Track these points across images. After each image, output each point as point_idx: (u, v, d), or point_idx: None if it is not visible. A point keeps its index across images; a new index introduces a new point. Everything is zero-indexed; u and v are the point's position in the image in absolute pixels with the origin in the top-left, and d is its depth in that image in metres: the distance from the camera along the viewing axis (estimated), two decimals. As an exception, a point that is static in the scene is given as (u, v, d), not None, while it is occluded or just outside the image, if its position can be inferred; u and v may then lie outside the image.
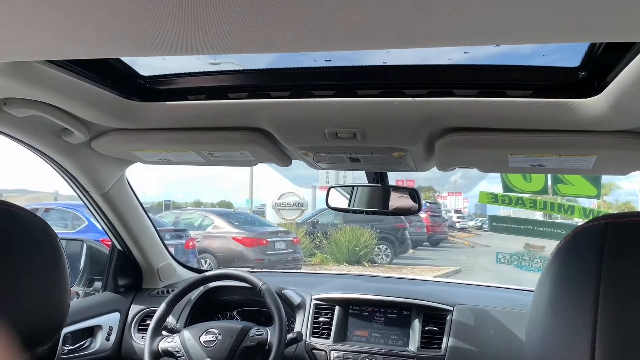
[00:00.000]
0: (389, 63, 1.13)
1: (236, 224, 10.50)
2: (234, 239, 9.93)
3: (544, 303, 0.59)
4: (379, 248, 12.38)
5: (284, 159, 1.44)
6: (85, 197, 1.68)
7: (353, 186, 1.72)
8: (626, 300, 0.52)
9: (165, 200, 24.91)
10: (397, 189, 1.65)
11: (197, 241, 9.35)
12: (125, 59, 1.18)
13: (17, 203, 0.82)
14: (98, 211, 1.75)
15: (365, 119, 1.14)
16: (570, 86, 1.02)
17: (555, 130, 1.09)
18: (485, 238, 16.89)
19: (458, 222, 23.23)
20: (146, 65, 1.24)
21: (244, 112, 1.19)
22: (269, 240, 10.06)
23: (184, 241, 8.43)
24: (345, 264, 11.54)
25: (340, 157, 1.37)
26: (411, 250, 13.56)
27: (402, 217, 13.66)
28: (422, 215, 15.85)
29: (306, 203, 18.19)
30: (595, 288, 0.53)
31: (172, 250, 2.22)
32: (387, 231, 12.57)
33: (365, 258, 11.85)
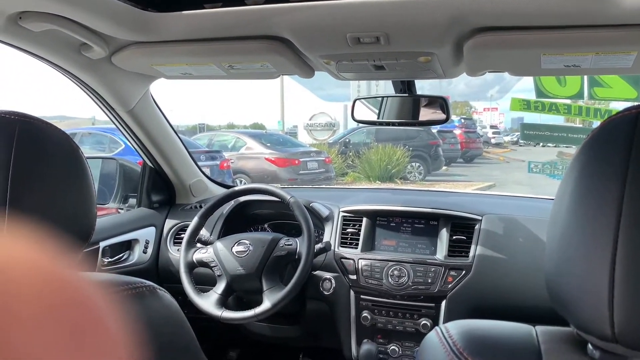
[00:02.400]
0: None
1: (268, 144, 10.59)
2: (266, 159, 10.07)
3: (566, 199, 0.57)
4: (411, 166, 12.35)
5: (306, 70, 1.40)
6: (112, 115, 1.70)
7: (379, 97, 1.67)
8: None
9: (199, 123, 25.16)
10: (425, 97, 1.59)
11: (232, 162, 9.51)
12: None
13: None
14: (126, 129, 1.77)
15: (389, 21, 1.08)
16: None
17: (591, 25, 1.01)
18: (521, 153, 16.58)
19: (493, 137, 22.78)
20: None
21: (262, 18, 1.15)
22: (301, 160, 10.16)
23: (218, 162, 8.60)
24: (377, 182, 11.60)
25: (364, 65, 1.33)
26: (444, 167, 13.49)
27: (436, 133, 13.49)
28: (457, 131, 15.60)
29: (337, 123, 18.11)
30: (621, 182, 0.50)
31: (207, 171, 2.26)
32: (419, 148, 12.47)
33: (398, 176, 11.86)
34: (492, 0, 0.99)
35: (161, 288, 0.86)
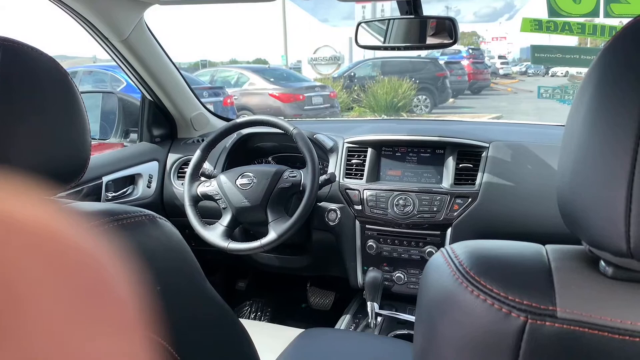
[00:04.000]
0: None
1: (272, 79, 10.40)
2: (270, 95, 9.93)
3: (582, 110, 0.53)
4: (417, 99, 12.16)
5: None
6: (107, 45, 1.64)
7: (384, 20, 1.59)
8: None
9: (201, 60, 24.69)
10: (432, 18, 1.51)
11: (235, 98, 9.39)
12: None
13: None
14: (122, 60, 1.71)
15: None
16: None
17: None
18: (529, 84, 16.24)
19: (501, 68, 22.24)
20: None
21: None
22: (305, 95, 10.01)
23: (221, 99, 8.49)
24: (383, 115, 11.47)
25: None
26: (451, 100, 13.28)
27: (443, 65, 13.19)
28: (464, 62, 15.24)
29: (342, 56, 17.69)
30: None
31: (211, 107, 2.21)
32: (426, 81, 12.23)
33: (404, 109, 11.71)
34: None
35: (162, 217, 0.84)
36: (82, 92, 0.81)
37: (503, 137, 1.68)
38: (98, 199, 1.67)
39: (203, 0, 1.44)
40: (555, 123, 1.94)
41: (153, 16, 1.63)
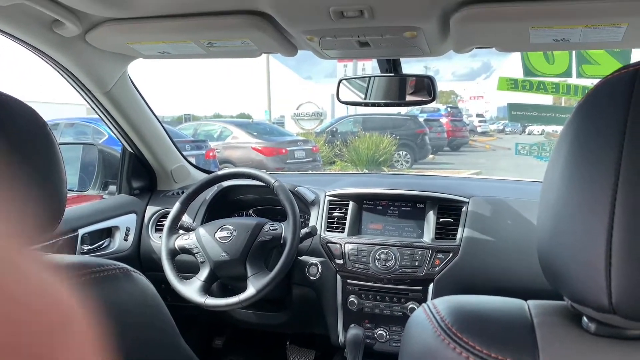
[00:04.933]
0: None
1: (255, 134, 10.51)
2: (253, 149, 10.00)
3: (559, 166, 0.53)
4: (398, 154, 12.35)
5: (289, 47, 1.36)
6: (89, 97, 1.64)
7: (365, 77, 1.63)
8: None
9: (185, 114, 24.91)
10: (411, 76, 1.56)
11: (217, 152, 9.43)
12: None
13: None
14: (104, 112, 1.71)
15: None
16: None
17: None
18: (506, 142, 16.66)
19: (479, 125, 22.87)
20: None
21: None
22: (288, 149, 10.10)
23: (203, 152, 8.52)
24: (365, 170, 11.59)
25: (348, 42, 1.28)
26: (431, 156, 13.51)
27: (423, 122, 13.50)
28: (443, 120, 15.63)
29: (325, 112, 18.03)
30: (618, 143, 0.46)
31: (193, 160, 2.21)
32: (406, 137, 12.48)
33: (385, 164, 11.86)
34: None
35: (136, 271, 0.81)
36: (62, 144, 0.80)
37: (483, 192, 1.70)
38: (73, 252, 1.62)
39: (186, 55, 1.46)
40: (534, 179, 1.97)
41: (136, 68, 1.65)
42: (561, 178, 0.53)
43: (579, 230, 0.50)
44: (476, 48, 1.30)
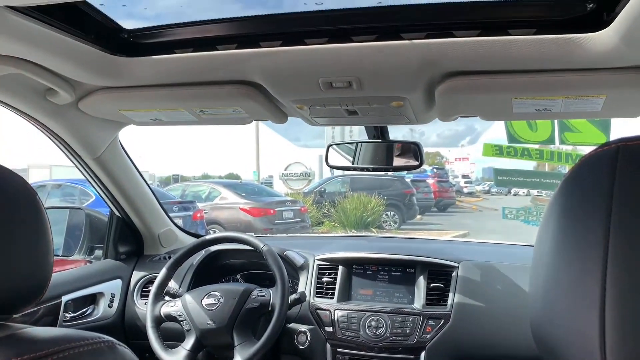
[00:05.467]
0: (383, 4, 1.06)
1: (243, 194, 10.51)
2: (241, 209, 9.96)
3: (549, 240, 0.54)
4: (386, 215, 12.38)
5: (279, 115, 1.39)
6: (78, 162, 1.64)
7: (353, 142, 1.66)
8: None
9: (173, 174, 24.94)
10: (399, 143, 1.59)
11: (205, 212, 9.38)
12: (107, 12, 1.13)
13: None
14: (92, 177, 1.71)
15: (361, 66, 1.08)
16: (577, 20, 0.95)
17: (561, 69, 1.03)
18: (493, 202, 16.83)
19: (466, 187, 23.16)
20: (130, 18, 1.18)
21: (234, 63, 1.14)
22: (276, 209, 10.08)
23: (191, 213, 8.46)
24: (353, 230, 11.56)
25: (336, 110, 1.32)
26: (419, 216, 13.55)
27: (409, 183, 13.63)
28: (430, 181, 15.82)
29: (313, 172, 18.16)
30: (605, 219, 0.48)
31: (180, 222, 2.20)
32: (394, 197, 12.55)
33: (373, 225, 11.85)
34: (463, 45, 1.00)
35: (121, 344, 0.79)
36: (50, 208, 0.80)
37: (472, 257, 1.70)
38: (55, 320, 1.57)
39: (178, 122, 1.48)
40: (523, 243, 1.98)
41: (125, 128, 1.67)
42: (550, 253, 0.54)
43: (572, 306, 0.50)
44: (461, 117, 1.34)
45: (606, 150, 0.50)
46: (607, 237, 0.47)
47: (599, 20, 0.92)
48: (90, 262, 1.99)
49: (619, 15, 0.85)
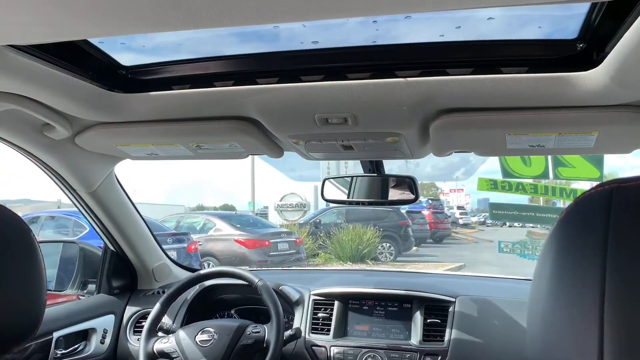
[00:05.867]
0: (378, 43, 1.08)
1: (238, 226, 10.46)
2: (236, 241, 9.90)
3: (545, 281, 0.54)
4: (382, 246, 12.33)
5: (275, 150, 1.40)
6: (73, 196, 1.64)
7: (348, 177, 1.67)
8: (637, 266, 0.47)
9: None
10: (394, 177, 1.60)
11: (200, 244, 9.32)
12: (105, 49, 1.14)
13: (20, 213, 0.78)
14: (87, 211, 1.70)
15: (356, 103, 1.10)
16: (568, 59, 0.97)
17: (554, 107, 1.04)
18: (488, 233, 16.83)
19: (461, 218, 23.17)
20: (127, 55, 1.19)
21: (231, 99, 1.15)
22: (271, 241, 10.02)
23: (185, 245, 8.39)
24: (348, 262, 11.49)
25: (332, 145, 1.33)
26: (414, 248, 13.51)
27: (405, 214, 13.63)
28: (425, 212, 15.83)
29: (308, 204, 18.15)
30: (601, 260, 0.48)
31: (174, 254, 2.19)
32: (389, 229, 12.52)
33: (369, 256, 11.79)
34: (457, 82, 1.02)
35: None
36: (43, 242, 0.79)
37: (469, 291, 1.69)
38: (46, 357, 1.54)
39: (174, 157, 1.49)
40: (520, 277, 1.97)
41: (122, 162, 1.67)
42: (548, 293, 0.54)
43: (570, 346, 0.50)
44: (455, 152, 1.35)
45: (600, 192, 0.51)
46: (603, 279, 0.47)
47: (590, 59, 0.94)
48: (83, 296, 1.96)
49: (609, 55, 0.87)
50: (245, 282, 1.65)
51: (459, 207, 25.75)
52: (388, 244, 12.42)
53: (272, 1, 0.57)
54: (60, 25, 0.73)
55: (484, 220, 24.03)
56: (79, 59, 1.08)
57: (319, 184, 1.70)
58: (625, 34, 0.78)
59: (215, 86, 1.15)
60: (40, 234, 7.82)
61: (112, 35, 0.86)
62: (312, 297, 1.75)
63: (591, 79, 0.94)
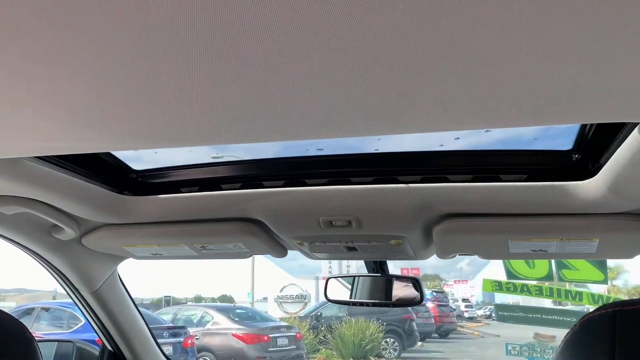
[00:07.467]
0: (380, 150, 1.13)
1: (236, 319, 10.21)
2: (234, 335, 9.61)
3: None
4: (385, 342, 11.89)
5: (279, 250, 1.40)
6: (75, 295, 1.62)
7: (353, 276, 1.66)
8: None
9: (165, 296, 24.32)
10: (398, 278, 1.59)
11: (197, 338, 9.03)
12: (116, 154, 1.19)
13: (14, 303, 0.78)
14: (88, 310, 1.68)
15: (360, 207, 1.12)
16: (565, 169, 1.01)
17: (554, 214, 1.07)
18: (495, 327, 16.27)
19: (466, 311, 22.52)
20: (138, 159, 1.24)
21: (237, 202, 1.18)
22: (270, 336, 9.72)
23: (182, 339, 8.12)
24: (351, 359, 11.04)
25: (336, 247, 1.34)
26: (420, 343, 13.02)
27: (409, 307, 13.29)
28: (429, 305, 15.42)
29: (309, 295, 17.77)
30: None
31: (170, 348, 2.13)
32: (393, 323, 12.15)
33: (372, 353, 11.35)
34: (457, 189, 1.05)
35: None
36: (41, 341, 0.78)
37: None
38: None
39: (178, 256, 1.50)
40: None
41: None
42: None
43: None
44: (458, 255, 1.36)
45: (604, 314, 0.52)
46: None
47: (586, 169, 0.98)
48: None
49: (604, 166, 0.90)
50: None
51: (464, 300, 25.12)
52: (392, 339, 12.00)
53: (287, 125, 0.62)
54: (87, 140, 0.77)
55: (490, 313, 23.33)
56: (92, 164, 1.12)
57: (321, 275, 1.69)
58: (619, 149, 0.82)
59: (222, 189, 1.18)
60: (35, 326, 7.60)
61: (135, 149, 0.90)
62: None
63: (588, 189, 0.96)
